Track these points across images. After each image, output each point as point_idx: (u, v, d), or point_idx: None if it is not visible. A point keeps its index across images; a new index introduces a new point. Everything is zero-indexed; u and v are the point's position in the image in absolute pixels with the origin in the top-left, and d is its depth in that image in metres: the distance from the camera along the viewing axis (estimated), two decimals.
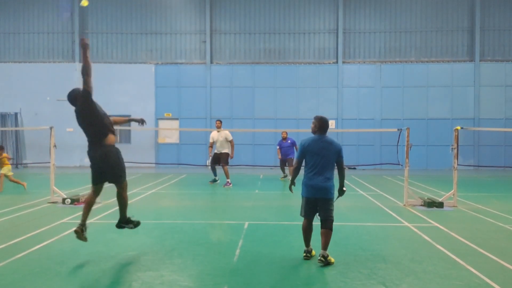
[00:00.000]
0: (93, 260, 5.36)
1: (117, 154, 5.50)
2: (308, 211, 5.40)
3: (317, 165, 5.28)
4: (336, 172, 5.38)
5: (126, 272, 4.92)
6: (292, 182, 5.65)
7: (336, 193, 5.41)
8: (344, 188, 5.47)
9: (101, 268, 5.07)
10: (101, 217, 7.98)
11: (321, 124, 5.42)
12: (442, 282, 4.65)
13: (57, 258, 5.44)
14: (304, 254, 5.43)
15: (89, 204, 5.51)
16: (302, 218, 5.48)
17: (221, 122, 13.17)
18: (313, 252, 5.49)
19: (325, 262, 5.13)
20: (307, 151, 5.36)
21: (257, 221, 7.83)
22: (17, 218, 7.90)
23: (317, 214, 5.39)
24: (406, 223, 7.68)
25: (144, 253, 5.69)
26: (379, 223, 7.74)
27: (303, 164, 5.48)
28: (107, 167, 5.43)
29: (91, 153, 5.45)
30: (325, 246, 5.20)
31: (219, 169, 13.48)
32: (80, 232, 5.34)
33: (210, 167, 13.41)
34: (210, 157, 13.25)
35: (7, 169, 11.57)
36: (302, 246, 5.47)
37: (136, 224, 5.93)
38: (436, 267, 5.13)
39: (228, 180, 12.77)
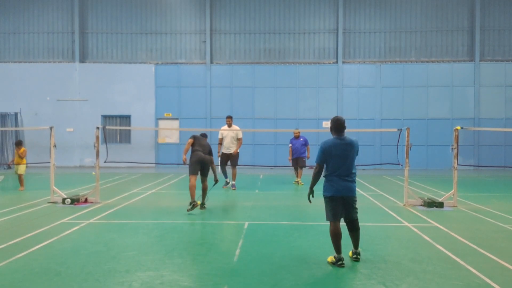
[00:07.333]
0: (93, 260, 5.36)
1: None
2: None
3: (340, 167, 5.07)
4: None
5: (126, 272, 4.92)
6: (311, 190, 5.27)
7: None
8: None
9: (101, 268, 5.07)
10: (101, 217, 7.98)
11: (333, 125, 5.24)
12: (442, 282, 4.65)
13: (57, 258, 5.44)
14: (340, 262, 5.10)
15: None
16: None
17: (231, 118, 12.51)
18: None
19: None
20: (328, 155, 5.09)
21: (257, 221, 7.83)
22: (17, 218, 7.90)
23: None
24: (406, 223, 7.67)
25: (144, 253, 5.69)
26: (379, 223, 7.74)
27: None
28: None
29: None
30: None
31: (228, 169, 12.72)
32: (192, 208, 8.32)
33: (221, 169, 12.53)
34: (219, 157, 12.43)
35: (22, 169, 11.85)
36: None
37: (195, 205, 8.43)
38: (436, 267, 5.13)
39: (234, 182, 12.30)
